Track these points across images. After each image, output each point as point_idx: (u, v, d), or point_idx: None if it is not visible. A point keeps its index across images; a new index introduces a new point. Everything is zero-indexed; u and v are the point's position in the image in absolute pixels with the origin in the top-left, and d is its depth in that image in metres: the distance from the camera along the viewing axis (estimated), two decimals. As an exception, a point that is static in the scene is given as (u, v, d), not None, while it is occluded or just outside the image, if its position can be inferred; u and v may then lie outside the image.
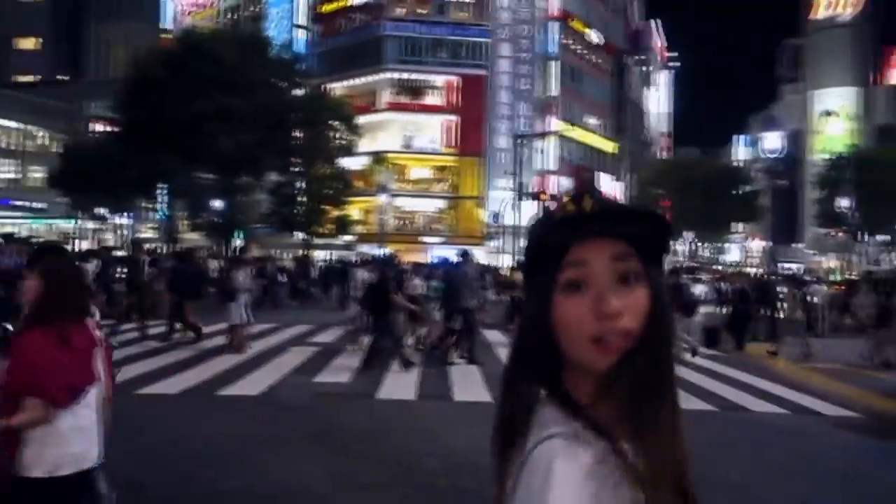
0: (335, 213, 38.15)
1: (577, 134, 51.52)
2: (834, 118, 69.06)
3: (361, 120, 39.98)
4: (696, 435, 5.86)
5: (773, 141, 69.98)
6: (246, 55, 31.49)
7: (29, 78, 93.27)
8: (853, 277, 27.99)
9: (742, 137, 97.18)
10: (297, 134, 35.94)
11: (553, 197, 41.47)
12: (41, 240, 40.14)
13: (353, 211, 43.28)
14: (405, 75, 49.49)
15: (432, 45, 49.48)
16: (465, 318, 11.86)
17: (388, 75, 49.38)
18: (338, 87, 49.32)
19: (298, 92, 36.72)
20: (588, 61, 57.58)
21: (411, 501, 5.20)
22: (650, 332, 0.85)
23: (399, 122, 49.27)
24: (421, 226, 49.73)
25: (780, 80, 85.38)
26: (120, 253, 28.86)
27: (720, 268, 53.96)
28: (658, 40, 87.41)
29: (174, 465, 5.77)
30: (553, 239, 0.87)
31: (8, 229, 47.24)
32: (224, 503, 5.09)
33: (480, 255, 34.45)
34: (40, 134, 56.41)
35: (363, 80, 50.35)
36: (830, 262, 55.32)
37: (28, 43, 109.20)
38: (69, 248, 33.37)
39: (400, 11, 49.98)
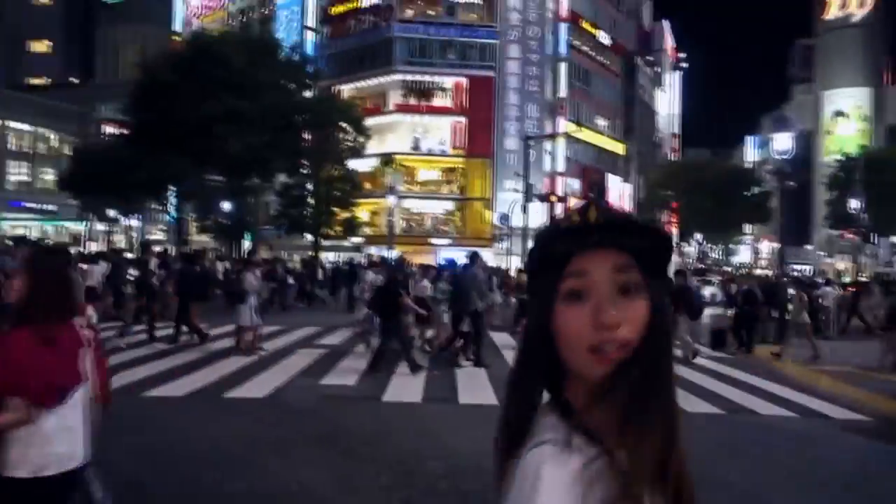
0: (343, 214, 38.21)
1: (586, 135, 51.38)
2: (846, 119, 68.70)
3: (370, 122, 40.03)
4: (702, 437, 5.84)
5: (783, 142, 69.32)
6: (255, 57, 31.62)
7: (41, 80, 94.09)
8: (864, 279, 27.78)
9: (753, 138, 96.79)
10: (306, 136, 36.05)
11: (561, 199, 41.40)
12: (51, 242, 40.44)
13: (362, 213, 43.31)
14: (414, 77, 49.50)
15: (441, 46, 49.46)
16: (473, 320, 11.84)
17: (397, 77, 49.39)
18: (347, 89, 49.43)
19: (307, 94, 36.84)
20: (597, 62, 57.43)
21: (414, 504, 5.20)
22: (648, 343, 0.86)
23: (407, 124, 49.30)
24: (429, 227, 49.72)
25: (792, 80, 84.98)
26: (130, 255, 28.99)
27: (729, 269, 53.72)
28: (669, 41, 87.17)
29: (180, 467, 5.79)
30: (556, 248, 0.88)
31: (19, 231, 47.68)
32: (228, 506, 5.11)
33: (489, 256, 34.42)
34: (51, 136, 56.77)
35: (372, 81, 50.41)
36: (841, 263, 54.97)
37: (40, 46, 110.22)
38: (80, 250, 33.59)
39: (409, 13, 50.02)
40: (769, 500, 5.62)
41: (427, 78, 49.45)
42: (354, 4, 52.18)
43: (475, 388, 9.63)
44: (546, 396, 0.93)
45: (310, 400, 8.61)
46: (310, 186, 37.86)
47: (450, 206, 50.27)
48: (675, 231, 77.16)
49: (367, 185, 44.38)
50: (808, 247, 67.84)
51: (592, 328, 0.85)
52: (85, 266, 17.19)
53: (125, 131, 37.73)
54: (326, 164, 37.35)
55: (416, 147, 49.02)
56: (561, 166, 51.17)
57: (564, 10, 51.78)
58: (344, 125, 36.51)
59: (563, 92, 51.35)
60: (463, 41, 49.31)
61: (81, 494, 3.12)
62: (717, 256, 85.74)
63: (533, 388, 0.92)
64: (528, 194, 34.69)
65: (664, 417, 0.88)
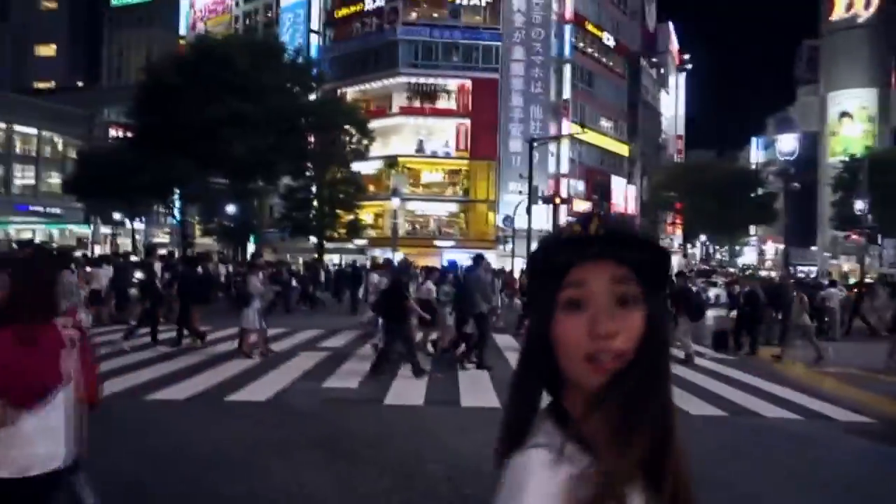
0: (347, 217, 38.27)
1: (590, 137, 51.34)
2: (851, 120, 68.42)
3: (374, 124, 40.10)
4: (704, 439, 5.83)
5: (788, 143, 69.09)
6: (259, 60, 31.70)
7: (47, 84, 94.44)
8: (869, 280, 27.66)
9: (758, 140, 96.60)
10: (310, 138, 36.12)
11: (565, 200, 41.35)
12: (56, 245, 40.59)
13: (366, 215, 43.37)
14: (418, 79, 49.56)
15: (445, 49, 49.51)
16: (477, 322, 11.81)
17: (401, 79, 49.45)
18: (351, 92, 49.55)
19: (311, 96, 36.92)
20: (601, 64, 57.41)
21: (414, 507, 5.20)
22: (643, 354, 0.88)
23: (412, 126, 49.35)
24: (433, 230, 49.74)
25: (798, 81, 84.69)
26: (134, 258, 29.07)
27: (734, 271, 53.56)
28: (673, 43, 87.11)
29: (181, 470, 5.80)
30: (557, 258, 0.91)
31: (25, 235, 47.88)
32: (228, 509, 5.12)
33: (493, 258, 34.38)
34: (57, 140, 56.98)
35: (376, 84, 50.51)
36: (846, 265, 54.74)
37: (46, 50, 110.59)
38: (85, 253, 33.66)
39: (413, 16, 50.08)
40: (770, 501, 5.60)
41: (431, 80, 49.50)
42: (359, 7, 52.27)
43: (478, 390, 9.62)
44: (547, 399, 0.95)
45: (312, 403, 8.61)
46: (314, 189, 37.96)
47: (454, 208, 50.29)
48: (679, 232, 77.12)
49: (372, 188, 44.48)
50: (814, 248, 67.56)
51: (589, 337, 0.87)
52: (90, 269, 17.26)
53: (130, 134, 37.87)
54: (330, 167, 37.44)
55: (420, 149, 49.06)
56: (565, 168, 51.17)
57: (568, 12, 51.79)
58: (348, 128, 36.61)
59: (567, 94, 51.33)
60: (467, 43, 49.34)
61: (70, 499, 3.11)
62: (722, 258, 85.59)
63: (533, 393, 0.94)
64: (533, 196, 34.65)
65: (656, 425, 0.89)
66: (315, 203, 37.99)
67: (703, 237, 73.53)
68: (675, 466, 0.91)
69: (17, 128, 53.58)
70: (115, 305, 16.84)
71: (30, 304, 2.76)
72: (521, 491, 0.83)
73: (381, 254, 37.64)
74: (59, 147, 57.08)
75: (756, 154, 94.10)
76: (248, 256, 33.91)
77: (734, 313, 15.83)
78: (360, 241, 42.74)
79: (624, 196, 61.28)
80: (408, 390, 9.50)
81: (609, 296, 0.88)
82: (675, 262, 66.16)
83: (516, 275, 26.23)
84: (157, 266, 16.94)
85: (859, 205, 38.52)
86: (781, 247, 69.05)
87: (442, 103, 49.76)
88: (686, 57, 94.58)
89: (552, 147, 48.88)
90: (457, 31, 49.40)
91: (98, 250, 43.82)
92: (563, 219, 42.35)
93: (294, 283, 23.91)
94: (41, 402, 2.74)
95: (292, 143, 33.08)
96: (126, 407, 8.00)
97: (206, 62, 30.39)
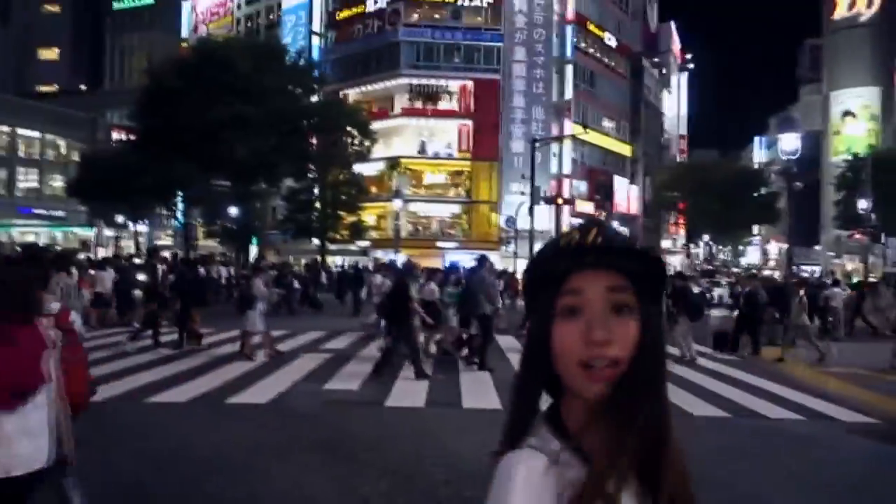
0: (350, 218, 38.29)
1: (593, 137, 51.29)
2: (854, 119, 68.23)
3: (376, 125, 40.12)
4: (706, 440, 5.80)
5: (790, 142, 69.01)
6: (261, 62, 31.74)
7: (50, 88, 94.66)
8: (873, 279, 27.57)
9: (761, 139, 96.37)
10: (313, 140, 36.15)
11: (568, 201, 41.31)
12: (60, 248, 40.65)
13: (368, 216, 43.38)
14: (420, 80, 49.55)
15: (447, 50, 49.52)
16: (481, 323, 11.78)
17: (403, 81, 49.46)
18: (353, 93, 49.58)
19: (313, 98, 36.95)
20: (603, 64, 57.36)
21: (414, 510, 5.18)
22: (638, 362, 0.90)
23: (414, 128, 49.35)
24: (436, 231, 49.73)
25: (801, 80, 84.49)
26: (138, 261, 29.13)
27: (737, 271, 53.47)
28: (675, 42, 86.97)
29: (181, 472, 5.79)
30: (555, 266, 0.93)
31: (29, 238, 47.98)
32: (228, 512, 5.10)
33: (496, 259, 34.34)
34: (60, 143, 57.09)
35: (378, 85, 50.54)
36: (850, 264, 54.56)
37: (49, 53, 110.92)
38: (89, 255, 33.72)
39: (415, 17, 50.09)
40: (772, 502, 5.57)
41: (433, 81, 49.49)
42: (360, 9, 52.31)
43: (479, 392, 9.60)
44: (547, 401, 0.98)
45: (313, 405, 8.59)
46: (316, 191, 38.00)
47: (456, 209, 50.28)
48: (682, 232, 76.99)
49: (374, 189, 44.47)
50: (817, 247, 67.38)
51: (584, 344, 0.88)
52: (94, 272, 17.29)
53: (133, 137, 37.94)
54: (333, 169, 37.48)
55: (422, 150, 49.07)
56: (567, 169, 51.12)
57: (570, 13, 51.77)
58: (350, 129, 36.63)
59: (568, 94, 51.31)
60: (468, 44, 49.35)
61: (60, 501, 3.10)
62: (725, 258, 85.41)
63: (533, 396, 0.96)
64: (535, 197, 34.62)
65: (649, 429, 0.90)
66: (317, 205, 38.03)
67: (706, 237, 73.33)
68: (671, 469, 0.92)
69: (21, 131, 53.66)
70: (118, 308, 16.85)
71: (7, 305, 2.74)
72: (507, 490, 0.86)
73: (383, 255, 37.66)
74: (63, 150, 57.16)
75: (759, 153, 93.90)
76: (251, 259, 33.94)
77: (736, 313, 15.79)
78: (362, 243, 42.76)
79: (627, 196, 61.21)
80: (409, 392, 9.48)
81: (605, 304, 0.90)
82: (679, 262, 66.10)
83: (519, 276, 26.20)
84: (161, 269, 17.00)
85: (862, 204, 38.45)
86: (785, 246, 68.92)
87: (444, 104, 49.75)
88: (688, 57, 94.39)
89: (554, 148, 48.84)
90: (458, 32, 49.41)
91: (102, 253, 43.88)
92: (566, 219, 42.37)
93: (296, 284, 23.91)
94: (20, 402, 2.73)
95: (294, 144, 33.11)
96: (127, 409, 8.00)
97: (208, 65, 30.43)
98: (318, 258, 36.64)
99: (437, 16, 50.08)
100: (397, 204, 38.03)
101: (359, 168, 39.98)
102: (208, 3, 67.94)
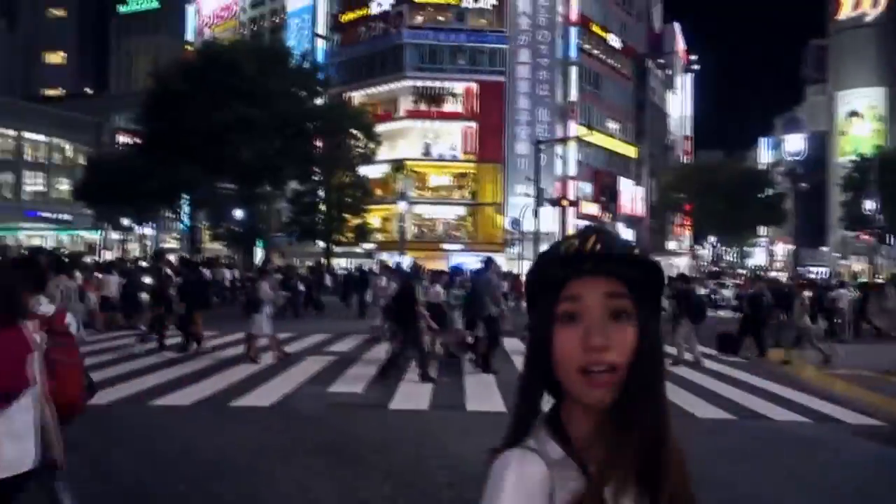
0: (355, 221, 38.32)
1: (598, 139, 51.27)
2: (860, 119, 68.05)
3: (381, 128, 40.18)
4: (711, 441, 5.78)
5: (795, 143, 68.79)
6: (266, 65, 31.82)
7: (56, 91, 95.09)
8: (879, 281, 27.48)
9: (766, 140, 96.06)
10: (317, 143, 36.20)
11: (573, 202, 41.27)
12: (66, 251, 40.81)
13: (373, 219, 43.43)
14: (424, 83, 49.61)
15: (451, 52, 49.58)
16: (487, 325, 11.75)
17: (408, 83, 49.54)
18: (357, 96, 49.64)
19: (318, 101, 36.99)
20: (608, 66, 57.33)
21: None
22: (636, 368, 0.91)
23: (418, 130, 49.41)
24: (441, 233, 49.74)
25: (806, 81, 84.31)
26: (143, 264, 29.22)
27: (744, 272, 53.35)
28: (680, 43, 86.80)
29: (185, 475, 5.79)
30: (554, 272, 0.94)
31: (35, 241, 48.16)
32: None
33: (501, 261, 34.31)
34: (66, 147, 57.34)
35: (382, 88, 50.62)
36: (857, 265, 54.38)
37: (55, 57, 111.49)
38: (95, 259, 33.85)
39: (419, 19, 50.17)
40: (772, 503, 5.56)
41: (437, 84, 49.55)
42: (364, 12, 52.41)
43: (483, 395, 9.58)
44: (547, 402, 0.99)
45: (317, 408, 8.60)
46: (321, 193, 38.04)
47: (461, 211, 50.30)
48: (688, 234, 76.81)
49: (379, 192, 44.51)
50: (824, 248, 67.21)
51: (582, 350, 0.89)
52: (100, 275, 17.35)
53: (138, 141, 38.08)
54: (337, 171, 37.51)
55: (426, 153, 49.11)
56: (572, 170, 51.09)
57: (574, 14, 51.76)
58: (355, 132, 36.67)
59: (573, 96, 51.30)
60: (473, 46, 49.41)
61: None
62: (731, 259, 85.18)
63: (535, 399, 0.98)
64: (540, 199, 34.62)
65: (647, 434, 0.91)
66: (322, 207, 38.08)
67: (712, 238, 73.14)
68: (671, 469, 0.93)
69: (27, 135, 53.95)
70: (124, 312, 16.89)
71: None
72: (498, 489, 0.88)
73: (388, 257, 37.65)
74: (69, 154, 57.44)
75: (764, 154, 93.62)
76: (257, 261, 34.01)
77: (740, 315, 15.74)
78: (367, 245, 42.80)
79: (632, 198, 61.11)
80: (413, 395, 9.47)
81: (603, 310, 0.91)
82: (685, 263, 65.91)
83: (524, 278, 26.16)
84: (166, 272, 17.03)
85: (869, 204, 38.37)
86: (791, 248, 68.85)
87: (448, 106, 49.79)
88: (693, 58, 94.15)
89: (559, 149, 48.84)
90: (462, 35, 49.47)
91: (108, 256, 44.05)
92: (572, 221, 42.30)
93: (301, 287, 23.94)
94: (4, 405, 2.72)
95: (299, 147, 33.17)
96: (131, 412, 8.02)
97: (213, 68, 30.52)
98: (322, 260, 36.70)
99: (441, 18, 50.15)
100: (402, 206, 38.08)
101: (363, 170, 40.02)
102: (213, 7, 68.18)
